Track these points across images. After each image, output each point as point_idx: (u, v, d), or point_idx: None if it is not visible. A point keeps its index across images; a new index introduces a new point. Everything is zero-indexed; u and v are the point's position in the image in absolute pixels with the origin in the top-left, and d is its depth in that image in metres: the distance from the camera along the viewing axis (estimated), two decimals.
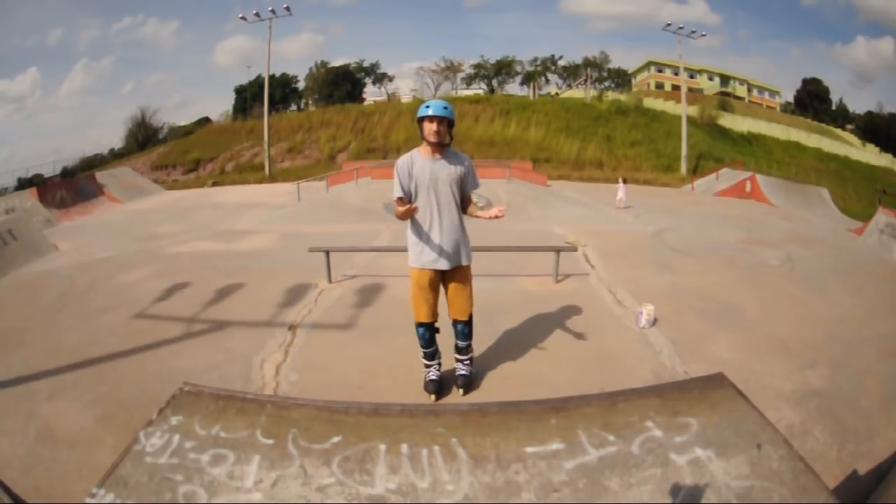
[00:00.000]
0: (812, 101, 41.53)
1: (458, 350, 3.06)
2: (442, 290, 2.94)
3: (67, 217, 12.06)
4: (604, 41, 74.13)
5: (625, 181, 12.95)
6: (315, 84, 39.37)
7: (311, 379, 3.25)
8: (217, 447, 1.62)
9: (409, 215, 2.69)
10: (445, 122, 2.71)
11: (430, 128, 2.68)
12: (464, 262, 2.88)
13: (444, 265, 2.81)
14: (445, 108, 2.69)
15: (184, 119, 39.12)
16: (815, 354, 3.62)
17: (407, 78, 70.93)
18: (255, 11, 22.99)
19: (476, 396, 3.03)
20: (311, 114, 31.72)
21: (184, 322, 4.24)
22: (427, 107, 2.69)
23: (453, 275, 2.87)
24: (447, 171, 2.77)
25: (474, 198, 3.03)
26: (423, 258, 2.82)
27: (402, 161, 2.82)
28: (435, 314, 2.92)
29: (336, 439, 1.63)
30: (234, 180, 22.50)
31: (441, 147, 2.77)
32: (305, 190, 13.52)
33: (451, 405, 2.36)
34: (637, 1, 51.59)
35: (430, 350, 2.99)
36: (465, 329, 2.98)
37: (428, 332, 2.94)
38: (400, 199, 2.80)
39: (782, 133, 32.11)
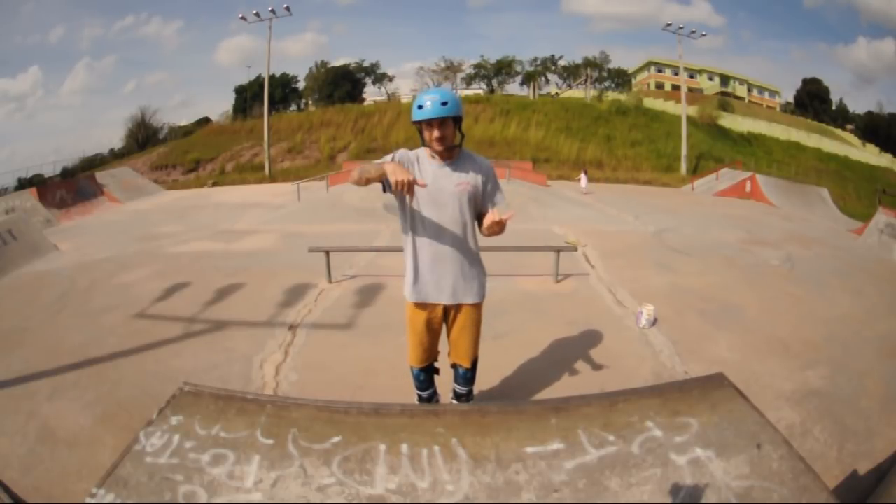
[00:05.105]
0: (812, 101, 41.53)
1: (457, 396, 2.50)
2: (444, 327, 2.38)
3: (67, 217, 12.08)
4: (604, 41, 74.36)
5: (585, 172, 16.96)
6: (315, 84, 39.42)
7: (311, 379, 3.25)
8: (217, 447, 1.62)
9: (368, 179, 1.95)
10: (450, 123, 2.06)
11: (430, 135, 2.06)
12: (471, 301, 2.26)
13: (444, 301, 2.24)
14: (445, 103, 2.00)
15: (184, 119, 39.26)
16: (815, 354, 3.62)
17: (407, 78, 70.87)
18: (255, 11, 23.06)
19: (476, 397, 3.03)
20: (311, 114, 31.75)
21: (184, 322, 4.25)
22: (420, 107, 2.01)
23: (457, 314, 2.28)
24: (455, 182, 2.13)
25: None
26: (417, 291, 2.23)
27: (406, 153, 2.18)
28: (433, 356, 2.41)
29: (336, 439, 1.63)
30: (234, 180, 22.54)
31: (450, 151, 2.15)
32: (305, 190, 13.53)
33: (452, 405, 2.36)
34: (639, 1, 51.71)
35: (427, 394, 2.48)
36: (467, 374, 2.42)
37: (423, 374, 2.43)
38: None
39: (782, 133, 32.11)
